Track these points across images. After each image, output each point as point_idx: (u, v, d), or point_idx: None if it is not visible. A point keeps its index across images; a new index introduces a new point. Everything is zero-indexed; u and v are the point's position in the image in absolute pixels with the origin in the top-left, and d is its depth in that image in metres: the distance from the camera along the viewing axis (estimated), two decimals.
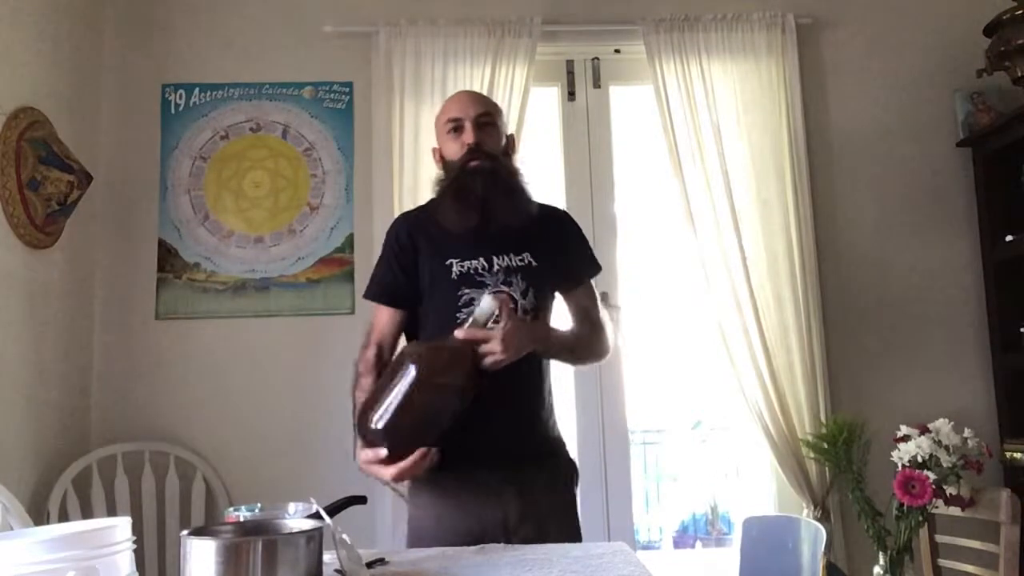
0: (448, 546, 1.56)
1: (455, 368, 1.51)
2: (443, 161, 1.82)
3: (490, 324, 1.57)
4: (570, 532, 1.70)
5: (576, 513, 1.80)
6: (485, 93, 2.84)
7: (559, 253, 1.81)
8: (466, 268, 1.73)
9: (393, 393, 1.50)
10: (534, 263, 1.74)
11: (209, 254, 2.91)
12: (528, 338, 1.64)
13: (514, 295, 1.71)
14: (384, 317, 1.80)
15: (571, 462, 1.84)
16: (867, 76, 3.09)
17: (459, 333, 1.55)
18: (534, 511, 1.69)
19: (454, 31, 2.92)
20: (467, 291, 1.71)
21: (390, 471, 1.52)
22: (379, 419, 1.52)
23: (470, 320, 1.56)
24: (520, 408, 1.72)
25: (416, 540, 1.72)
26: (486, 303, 1.55)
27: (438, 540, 1.63)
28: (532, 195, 1.82)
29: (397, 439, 1.52)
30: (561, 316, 1.87)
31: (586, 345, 1.82)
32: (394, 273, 1.78)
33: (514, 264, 1.74)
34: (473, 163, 1.72)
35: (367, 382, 1.71)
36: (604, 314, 1.88)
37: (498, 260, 1.73)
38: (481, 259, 1.73)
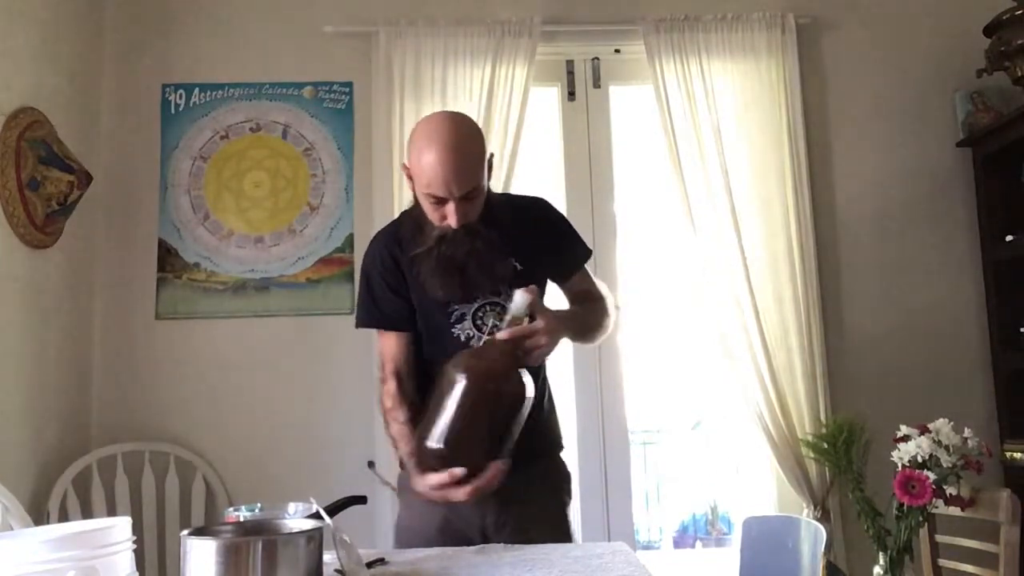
0: (429, 546, 1.56)
1: (503, 371, 1.48)
2: (415, 195, 1.72)
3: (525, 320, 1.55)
4: (556, 539, 1.65)
5: (565, 520, 1.77)
6: (485, 93, 2.86)
7: (545, 251, 1.78)
8: None
9: (448, 410, 1.46)
10: (519, 267, 1.72)
11: (209, 254, 2.91)
12: (563, 324, 1.64)
13: (504, 304, 1.70)
14: (392, 344, 1.75)
15: (564, 468, 1.83)
16: (867, 76, 3.09)
17: (502, 335, 1.51)
18: (515, 516, 1.68)
19: (454, 31, 2.92)
20: (456, 307, 1.70)
21: (464, 491, 1.47)
22: (439, 439, 1.47)
23: (507, 319, 1.54)
24: None
25: (400, 539, 1.72)
26: (519, 299, 1.53)
27: (420, 540, 1.63)
28: (502, 204, 1.77)
29: (461, 455, 1.47)
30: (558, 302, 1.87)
31: (599, 322, 1.81)
32: (390, 297, 1.74)
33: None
34: (453, 234, 1.65)
35: (401, 414, 1.67)
36: (602, 287, 1.87)
37: None
38: None
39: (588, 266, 1.89)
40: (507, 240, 1.70)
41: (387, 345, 1.76)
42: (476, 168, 1.63)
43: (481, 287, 1.69)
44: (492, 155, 1.74)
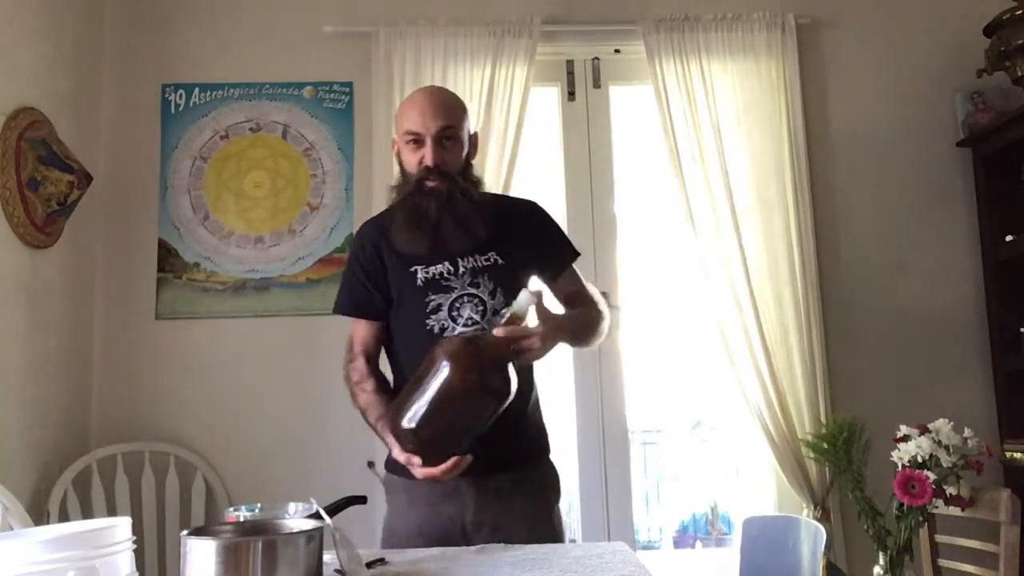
0: (411, 547, 1.56)
1: (489, 366, 1.47)
2: (400, 164, 1.76)
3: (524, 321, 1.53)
4: (538, 539, 1.62)
5: (550, 521, 1.76)
6: (485, 93, 2.86)
7: (529, 248, 1.77)
8: (431, 274, 1.71)
9: (426, 392, 1.46)
10: (500, 261, 1.72)
11: (209, 254, 2.91)
12: (562, 330, 1.64)
13: (483, 296, 1.70)
14: (362, 329, 1.80)
15: (551, 469, 1.82)
16: (867, 76, 3.10)
17: (499, 331, 1.49)
18: (493, 515, 1.66)
19: (454, 31, 2.92)
20: (433, 297, 1.70)
21: (419, 471, 1.53)
22: (411, 419, 1.48)
23: (507, 315, 1.52)
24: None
25: (386, 540, 1.72)
26: (523, 298, 1.51)
27: (401, 540, 1.64)
28: (489, 201, 1.77)
29: (430, 440, 1.49)
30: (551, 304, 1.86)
31: (594, 326, 1.80)
32: (364, 286, 1.76)
33: (480, 264, 1.71)
34: (429, 183, 1.67)
35: (369, 385, 1.73)
36: (593, 291, 1.86)
37: (463, 262, 1.71)
38: (446, 263, 1.71)
39: (589, 268, 1.88)
40: (492, 233, 1.71)
41: (357, 329, 1.81)
42: (454, 112, 1.72)
43: (453, 244, 1.69)
44: (476, 133, 1.79)
